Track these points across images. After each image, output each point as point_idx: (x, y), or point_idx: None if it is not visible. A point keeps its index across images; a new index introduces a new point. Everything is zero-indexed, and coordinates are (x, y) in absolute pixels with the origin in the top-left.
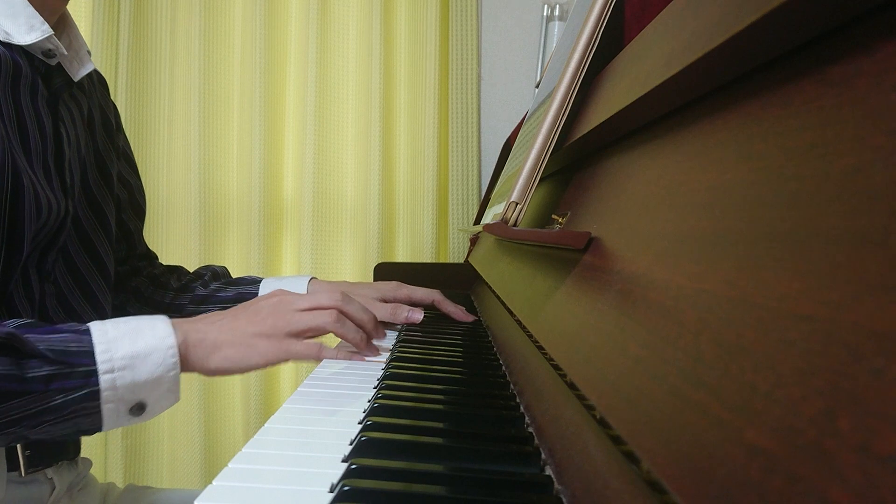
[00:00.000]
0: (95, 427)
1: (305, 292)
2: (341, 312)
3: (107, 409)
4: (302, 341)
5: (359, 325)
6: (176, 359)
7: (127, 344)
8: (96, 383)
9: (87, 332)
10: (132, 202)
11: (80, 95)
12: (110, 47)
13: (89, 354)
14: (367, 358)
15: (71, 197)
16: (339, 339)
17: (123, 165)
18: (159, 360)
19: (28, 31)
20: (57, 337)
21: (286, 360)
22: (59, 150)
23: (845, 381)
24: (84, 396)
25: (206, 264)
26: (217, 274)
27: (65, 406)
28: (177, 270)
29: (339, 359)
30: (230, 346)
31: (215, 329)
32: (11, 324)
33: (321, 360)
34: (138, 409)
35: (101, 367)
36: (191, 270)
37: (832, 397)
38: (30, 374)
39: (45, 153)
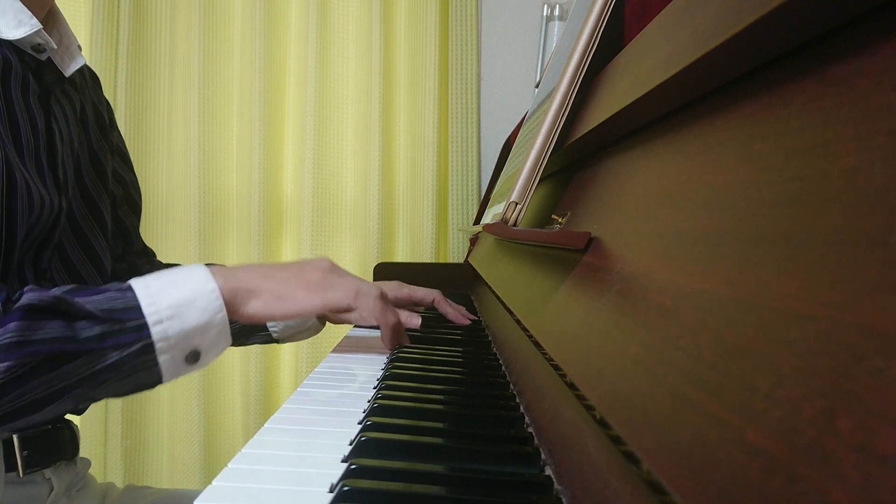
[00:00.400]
0: (156, 380)
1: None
2: (389, 308)
3: (163, 360)
4: (341, 287)
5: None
6: (220, 301)
7: (171, 294)
8: (149, 336)
9: (130, 288)
10: (127, 198)
11: (72, 91)
12: (110, 47)
13: (136, 309)
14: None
15: (64, 193)
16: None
17: (118, 161)
18: (204, 304)
19: (16, 25)
20: (102, 297)
21: (324, 309)
22: (51, 147)
23: (845, 381)
24: (139, 350)
25: (207, 263)
26: None
27: (123, 362)
28: (147, 254)
29: (369, 322)
30: (268, 291)
31: (255, 275)
32: (57, 290)
33: (357, 321)
34: (193, 356)
35: (149, 318)
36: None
37: (832, 397)
38: (83, 335)
39: (38, 149)
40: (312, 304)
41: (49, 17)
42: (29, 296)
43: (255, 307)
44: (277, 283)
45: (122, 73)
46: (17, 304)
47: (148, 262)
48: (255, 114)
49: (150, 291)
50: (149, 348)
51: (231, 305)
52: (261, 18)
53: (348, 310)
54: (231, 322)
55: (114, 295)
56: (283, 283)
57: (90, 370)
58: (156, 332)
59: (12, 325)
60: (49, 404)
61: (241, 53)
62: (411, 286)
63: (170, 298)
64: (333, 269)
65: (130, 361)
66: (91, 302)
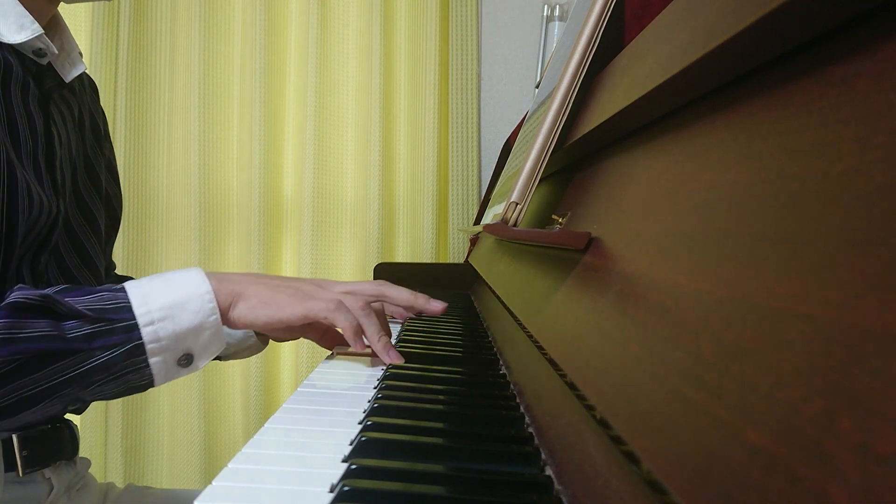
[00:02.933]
0: (147, 382)
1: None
2: (372, 309)
3: (154, 361)
4: (322, 299)
5: (406, 303)
6: (214, 304)
7: (163, 295)
8: (139, 336)
9: (122, 289)
10: (109, 212)
11: (71, 97)
12: (110, 47)
13: (127, 309)
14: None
15: (62, 197)
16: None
17: (107, 176)
18: (197, 306)
19: (18, 30)
20: (93, 297)
21: (304, 318)
22: (49, 150)
23: (845, 381)
24: (129, 351)
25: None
26: None
27: (112, 363)
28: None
29: (346, 335)
30: (255, 297)
31: (247, 280)
32: (47, 290)
33: (338, 325)
34: (186, 359)
35: (140, 319)
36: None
37: (832, 397)
38: (70, 335)
39: (36, 152)
40: (293, 312)
41: (51, 22)
42: (17, 294)
43: (241, 311)
44: (266, 290)
45: (122, 73)
46: (5, 302)
47: (107, 275)
48: (255, 114)
49: (142, 292)
50: (139, 349)
51: (222, 309)
52: (261, 19)
53: (326, 321)
54: None
55: (105, 295)
56: (272, 289)
57: (78, 370)
58: (146, 332)
59: None
60: (37, 404)
61: (241, 54)
62: (390, 288)
63: (162, 299)
64: (325, 283)
65: (120, 362)
66: (81, 302)
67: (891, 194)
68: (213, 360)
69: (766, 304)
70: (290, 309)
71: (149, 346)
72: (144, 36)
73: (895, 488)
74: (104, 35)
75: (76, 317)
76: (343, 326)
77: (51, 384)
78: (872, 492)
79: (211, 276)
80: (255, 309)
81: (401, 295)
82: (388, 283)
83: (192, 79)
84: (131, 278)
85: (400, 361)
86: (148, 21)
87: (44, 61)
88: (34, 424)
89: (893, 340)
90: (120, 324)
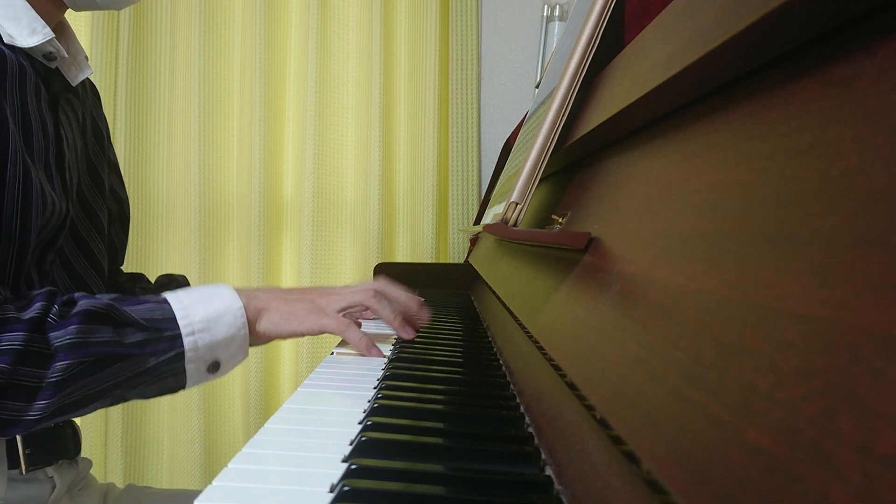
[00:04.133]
0: (180, 385)
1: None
2: (384, 295)
3: (190, 368)
4: (335, 317)
5: (401, 308)
6: (244, 318)
7: (202, 309)
8: (181, 345)
9: (166, 301)
10: (121, 215)
11: (76, 101)
12: (110, 47)
13: (172, 321)
14: (385, 346)
15: (70, 198)
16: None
17: (114, 179)
18: (231, 320)
19: (30, 34)
20: (144, 307)
21: (320, 331)
22: (59, 152)
23: (845, 381)
24: (172, 358)
25: (167, 273)
26: (179, 283)
27: (157, 367)
28: (139, 279)
29: (359, 347)
30: (277, 312)
31: (272, 296)
32: (104, 297)
33: (350, 341)
34: (214, 367)
35: (183, 330)
36: (177, 275)
37: (832, 397)
38: (128, 340)
39: (48, 154)
40: (310, 326)
41: (59, 27)
42: (84, 302)
43: (265, 325)
44: (289, 305)
45: (122, 74)
46: (76, 309)
47: (130, 280)
48: (255, 114)
49: (182, 305)
50: (180, 357)
51: (250, 323)
52: (261, 18)
53: (338, 333)
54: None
55: (153, 306)
56: (293, 304)
57: (131, 373)
58: (188, 342)
59: (72, 327)
60: (93, 402)
61: (241, 53)
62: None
63: (202, 313)
64: (339, 289)
65: (163, 367)
66: (135, 311)
67: (891, 194)
68: None
69: (766, 304)
70: (308, 324)
71: (188, 354)
72: (144, 36)
73: (895, 488)
74: (104, 36)
75: (132, 324)
76: (354, 343)
77: (108, 384)
78: (872, 492)
79: (240, 292)
80: (277, 323)
81: (399, 296)
82: (388, 283)
83: (192, 79)
84: (142, 275)
85: (413, 335)
86: (148, 21)
87: (52, 65)
88: (77, 417)
89: (893, 340)
90: (166, 333)
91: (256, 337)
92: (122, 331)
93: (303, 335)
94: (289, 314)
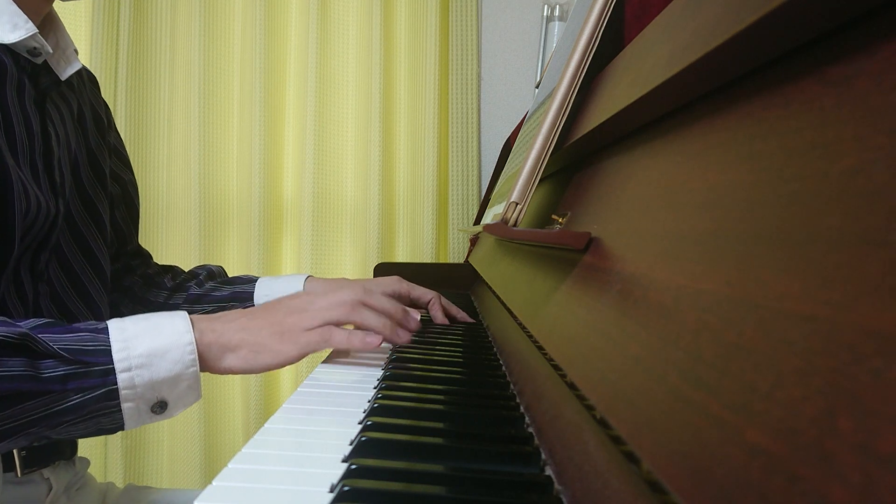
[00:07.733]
0: (117, 426)
1: (302, 290)
2: (363, 304)
3: (127, 407)
4: (313, 331)
5: (385, 314)
6: (194, 356)
7: (146, 341)
8: (114, 382)
9: (105, 330)
10: (125, 197)
11: (69, 94)
12: (110, 47)
13: (106, 353)
14: (381, 345)
15: (61, 196)
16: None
17: (115, 161)
18: (177, 357)
19: (12, 29)
20: (73, 336)
21: (301, 356)
22: (47, 150)
23: (845, 381)
24: (102, 395)
25: (203, 264)
26: (213, 273)
27: (83, 406)
28: (171, 270)
29: (353, 345)
30: (244, 346)
31: (231, 328)
32: (27, 324)
33: (339, 346)
34: (160, 407)
35: (118, 365)
36: (213, 266)
37: (832, 397)
38: (45, 375)
39: (33, 152)
40: (288, 355)
41: (46, 21)
42: None
43: (230, 362)
44: (253, 335)
45: (122, 74)
46: None
47: (144, 265)
48: (255, 114)
49: (125, 336)
50: (113, 394)
51: (206, 360)
52: (261, 18)
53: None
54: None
55: (86, 336)
56: (258, 332)
57: (49, 410)
58: (122, 378)
59: None
60: (2, 440)
61: (241, 53)
62: (410, 283)
63: (144, 346)
64: (308, 302)
65: (91, 405)
66: (60, 340)
67: (891, 194)
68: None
69: (767, 304)
70: (283, 355)
71: (123, 392)
72: (144, 35)
73: (895, 488)
74: (104, 34)
75: (52, 356)
76: (345, 345)
77: (20, 422)
78: (872, 492)
79: (197, 322)
80: (247, 360)
81: (380, 303)
82: (369, 287)
83: (192, 79)
84: (174, 267)
85: (409, 338)
86: (148, 20)
87: (39, 60)
88: None
89: (893, 340)
90: (96, 367)
91: (223, 373)
92: (40, 364)
93: (283, 366)
94: (258, 347)
